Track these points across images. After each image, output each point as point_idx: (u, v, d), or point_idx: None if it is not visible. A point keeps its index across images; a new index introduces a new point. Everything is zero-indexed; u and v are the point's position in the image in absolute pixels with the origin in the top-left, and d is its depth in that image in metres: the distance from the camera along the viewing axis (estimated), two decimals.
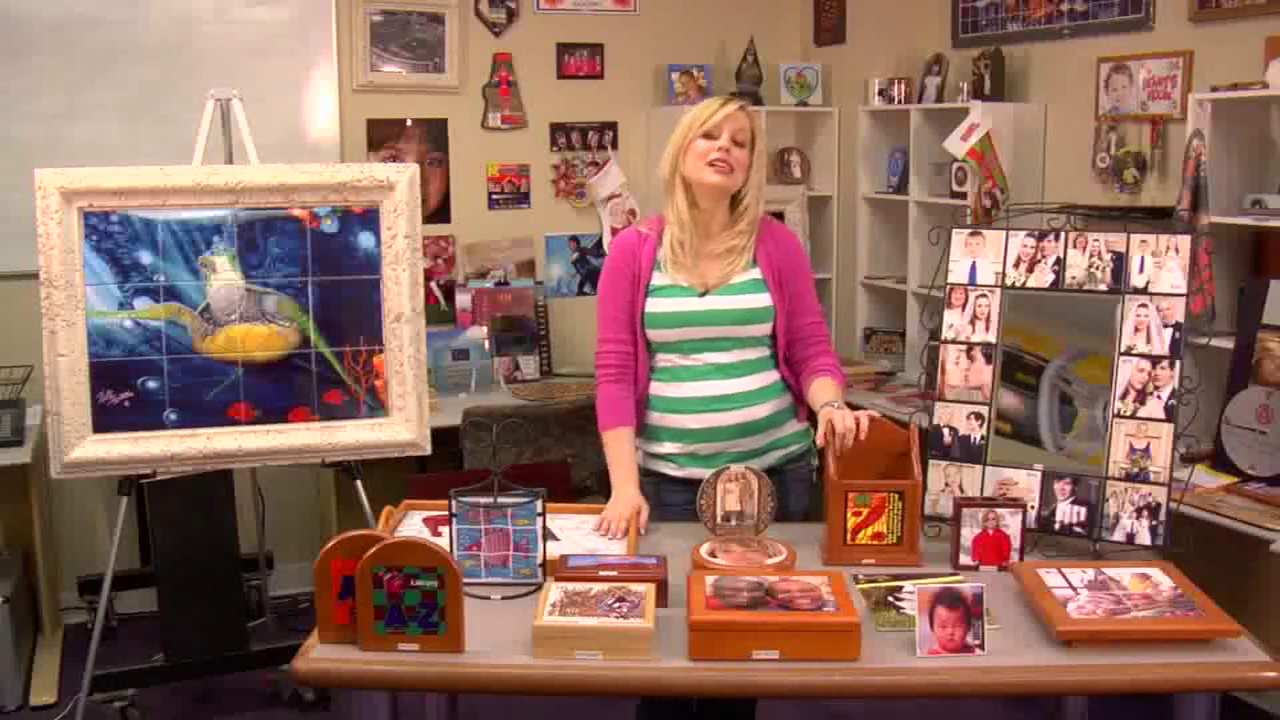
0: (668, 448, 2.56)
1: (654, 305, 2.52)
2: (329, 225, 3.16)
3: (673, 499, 2.55)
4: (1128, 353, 2.28)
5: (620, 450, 2.52)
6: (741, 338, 2.51)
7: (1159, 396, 2.25)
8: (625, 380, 2.56)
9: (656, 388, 2.57)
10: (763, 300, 2.52)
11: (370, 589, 1.86)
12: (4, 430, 3.63)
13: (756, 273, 2.54)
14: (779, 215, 4.77)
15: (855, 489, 2.23)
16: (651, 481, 2.59)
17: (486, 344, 4.41)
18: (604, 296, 2.60)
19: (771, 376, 2.56)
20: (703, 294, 2.50)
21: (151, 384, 3.08)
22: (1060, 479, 2.32)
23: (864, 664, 1.86)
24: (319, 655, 1.90)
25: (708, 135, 2.46)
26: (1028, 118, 4.05)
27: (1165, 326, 2.25)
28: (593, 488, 3.89)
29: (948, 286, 2.44)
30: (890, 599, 2.07)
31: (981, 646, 1.88)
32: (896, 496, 2.22)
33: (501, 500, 2.12)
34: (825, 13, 5.08)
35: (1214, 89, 3.25)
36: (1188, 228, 3.06)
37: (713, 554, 2.19)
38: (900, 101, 4.52)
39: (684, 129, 2.49)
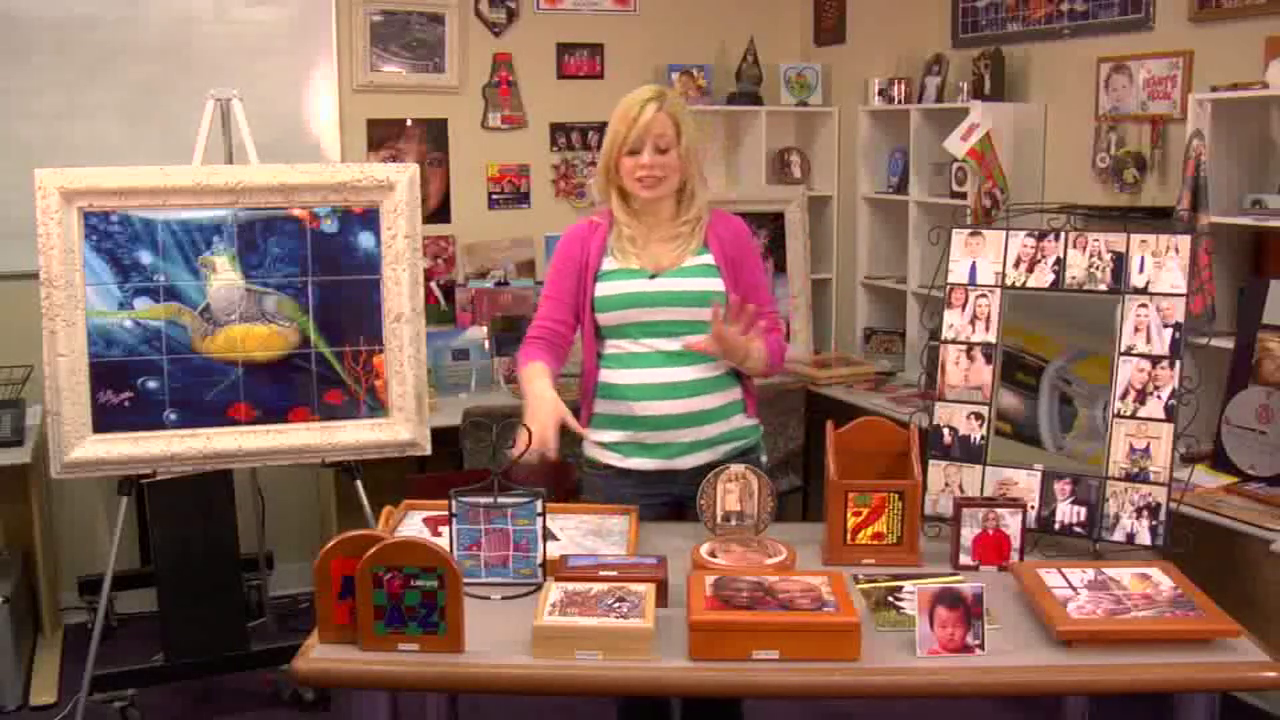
0: (613, 435, 2.56)
1: (603, 289, 2.53)
2: (329, 225, 3.16)
3: (618, 494, 2.54)
4: (1128, 353, 2.28)
5: (533, 380, 2.43)
6: (691, 322, 2.49)
7: (1159, 396, 2.25)
8: (547, 343, 2.53)
9: (605, 375, 2.56)
10: (714, 284, 2.52)
11: (370, 589, 1.86)
12: (4, 430, 3.63)
13: (709, 258, 2.54)
14: (779, 215, 4.78)
15: (855, 489, 2.23)
16: (599, 474, 2.59)
17: (486, 344, 4.41)
18: (549, 280, 2.62)
19: (722, 366, 2.55)
20: (653, 276, 2.51)
21: (151, 384, 3.08)
22: (1060, 479, 2.32)
23: (864, 664, 1.85)
24: (319, 655, 1.90)
25: (632, 152, 2.47)
26: (1028, 118, 4.05)
27: (1165, 326, 2.25)
28: None
29: (948, 286, 2.44)
30: (890, 599, 2.07)
31: (981, 646, 1.88)
32: (896, 496, 2.22)
33: (501, 500, 2.12)
34: (825, 13, 5.08)
35: (1214, 89, 3.25)
36: (1188, 228, 3.07)
37: (713, 554, 2.19)
38: (900, 101, 4.52)
39: (609, 142, 2.50)
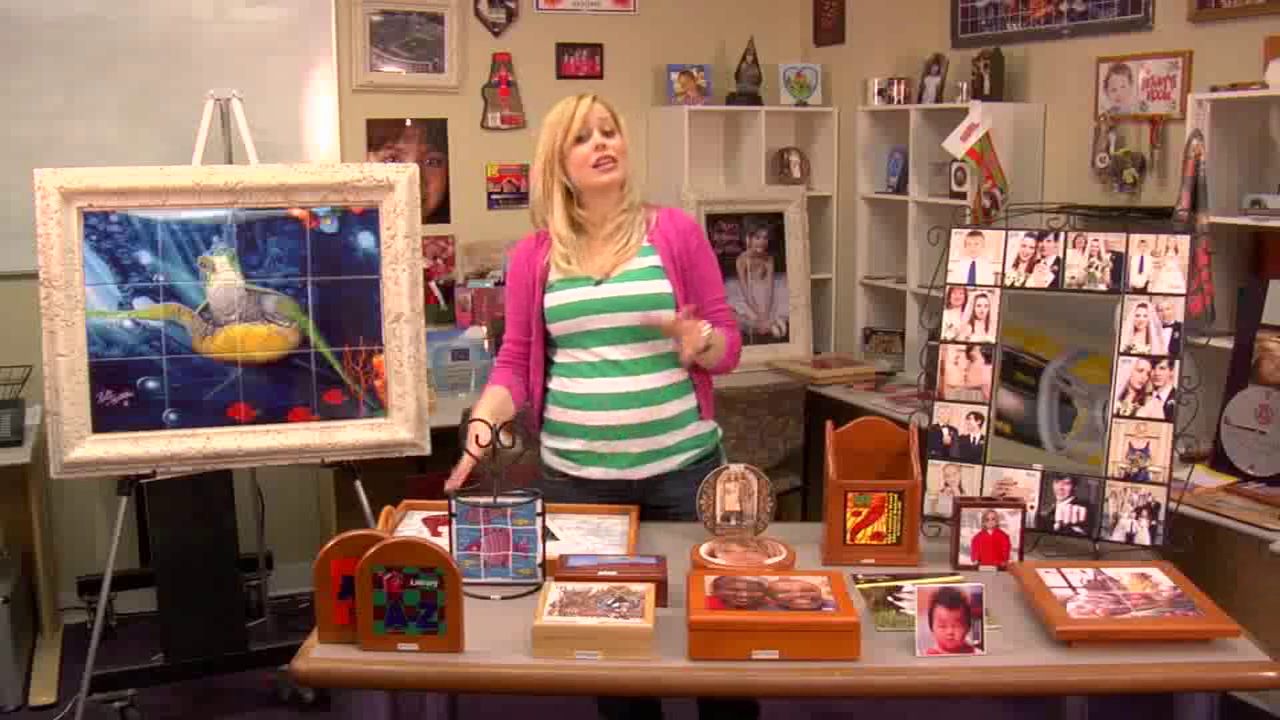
0: (568, 444, 2.55)
1: (551, 300, 2.52)
2: (329, 225, 3.16)
3: (576, 503, 2.52)
4: (1127, 353, 2.28)
5: (480, 404, 2.48)
6: (640, 327, 2.48)
7: (1158, 396, 2.25)
8: (513, 366, 2.59)
9: (557, 383, 2.56)
10: (661, 287, 2.50)
11: (370, 589, 1.86)
12: (4, 430, 3.63)
13: (655, 259, 2.52)
14: (778, 215, 4.78)
15: (855, 489, 2.23)
16: (554, 481, 2.58)
17: (486, 344, 4.41)
18: (507, 299, 2.66)
19: (676, 375, 2.53)
20: (599, 282, 2.50)
21: (151, 384, 3.08)
22: (1060, 479, 2.32)
23: (864, 664, 1.86)
24: (319, 655, 1.90)
25: (579, 140, 2.48)
26: (1027, 118, 4.05)
27: (1165, 326, 2.26)
28: None
29: (947, 286, 2.44)
30: (890, 599, 2.07)
31: (981, 646, 1.88)
32: (896, 496, 2.22)
33: (501, 500, 2.12)
34: (825, 13, 5.08)
35: (1213, 89, 3.25)
36: (1187, 228, 3.06)
37: (712, 554, 2.19)
38: (900, 101, 4.52)
39: (550, 139, 2.51)
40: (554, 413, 2.56)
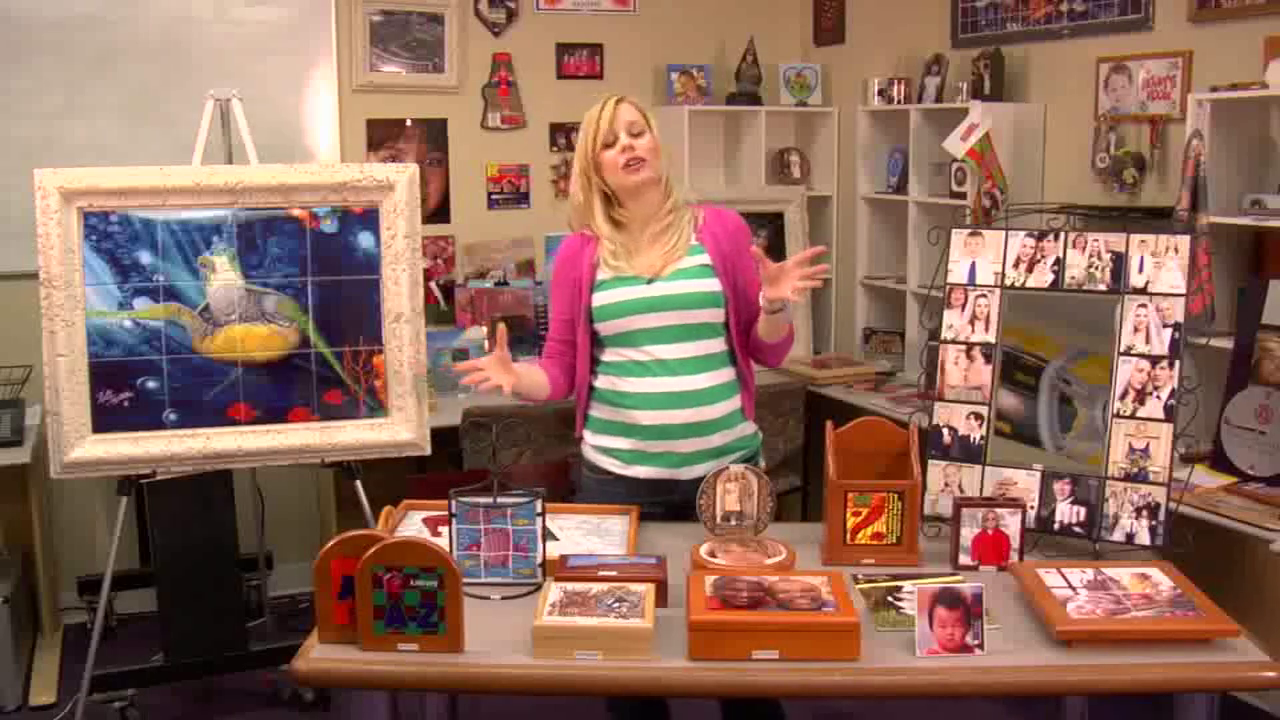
0: (615, 443, 2.55)
1: (601, 299, 2.53)
2: (329, 225, 3.16)
3: (616, 499, 2.53)
4: (1127, 353, 2.28)
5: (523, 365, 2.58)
6: (692, 325, 2.50)
7: (1158, 396, 2.25)
8: (557, 362, 2.63)
9: (606, 381, 2.56)
10: (712, 285, 2.51)
11: (370, 589, 1.86)
12: (4, 430, 3.63)
13: (704, 258, 2.54)
14: (778, 215, 4.78)
15: (855, 489, 2.23)
16: (597, 478, 2.59)
17: (486, 344, 4.41)
18: (551, 298, 2.69)
19: (726, 374, 2.55)
20: (650, 281, 2.51)
21: (151, 384, 3.07)
22: (1060, 479, 2.32)
23: (864, 664, 1.86)
24: (319, 655, 1.90)
25: (607, 145, 2.50)
26: (1027, 118, 4.05)
27: (1165, 326, 2.26)
28: None
29: (947, 286, 2.44)
30: (890, 599, 2.07)
31: (981, 646, 1.88)
32: (896, 496, 2.22)
33: (501, 500, 2.12)
34: (825, 13, 5.08)
35: (1213, 89, 3.25)
36: (1187, 228, 3.06)
37: (712, 554, 2.19)
38: (900, 101, 4.52)
39: (582, 147, 2.55)
40: (601, 411, 2.57)
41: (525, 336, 4.59)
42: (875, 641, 1.91)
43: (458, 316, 4.56)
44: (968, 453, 2.40)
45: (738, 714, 2.65)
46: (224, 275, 3.11)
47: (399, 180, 3.16)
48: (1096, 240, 2.33)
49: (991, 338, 2.40)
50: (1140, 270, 2.28)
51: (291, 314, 3.15)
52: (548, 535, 2.21)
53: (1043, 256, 2.37)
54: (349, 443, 3.18)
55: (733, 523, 2.28)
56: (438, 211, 4.67)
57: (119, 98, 4.12)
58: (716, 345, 2.53)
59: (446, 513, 2.15)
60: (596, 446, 2.59)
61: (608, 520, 2.45)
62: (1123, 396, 2.28)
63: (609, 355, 2.56)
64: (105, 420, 3.04)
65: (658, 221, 2.55)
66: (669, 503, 2.52)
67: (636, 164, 2.49)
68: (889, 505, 2.22)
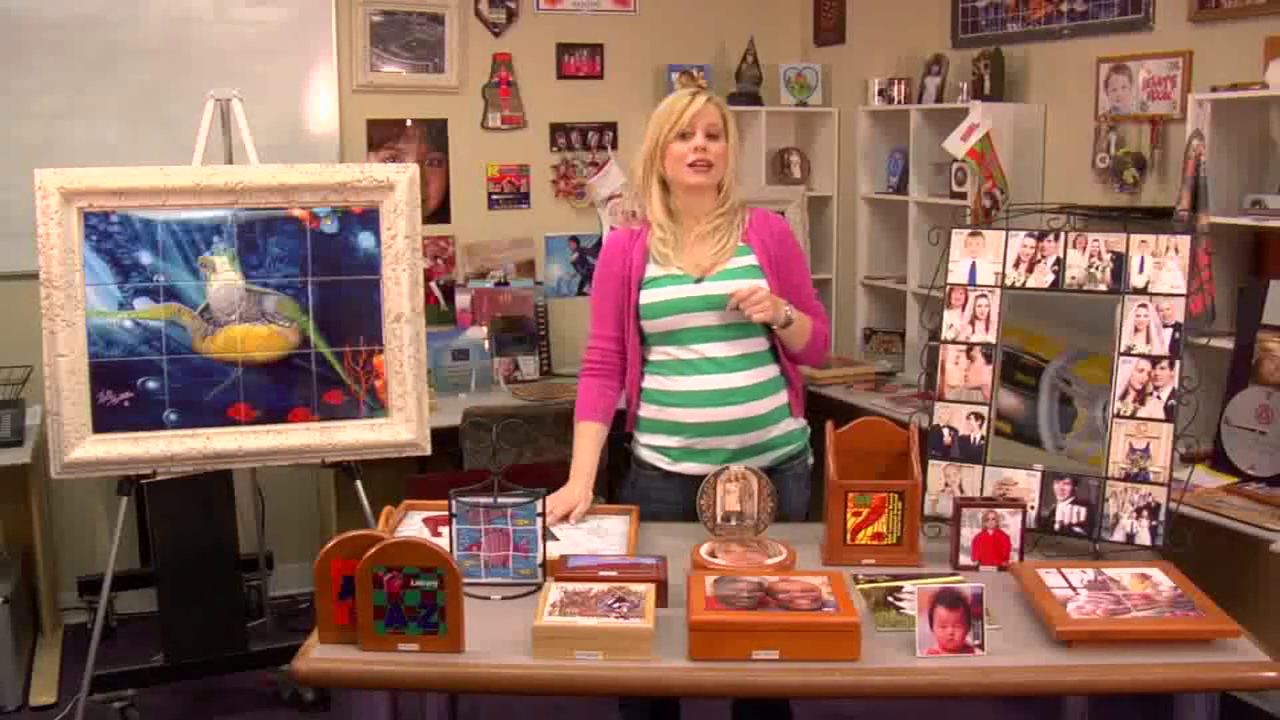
0: (663, 441, 2.56)
1: (648, 296, 2.53)
2: (329, 225, 3.16)
3: (663, 496, 2.55)
4: (1127, 353, 2.28)
5: (584, 443, 2.55)
6: (739, 324, 2.50)
7: (1159, 396, 2.25)
8: (606, 376, 2.59)
9: (653, 381, 2.57)
10: (759, 285, 2.52)
11: (370, 589, 1.86)
12: (4, 430, 3.63)
13: (752, 259, 2.55)
14: (779, 216, 4.77)
15: (855, 489, 2.23)
16: (645, 476, 2.60)
17: (486, 344, 4.41)
18: (594, 294, 2.65)
19: (771, 371, 2.56)
20: (698, 280, 2.51)
21: (151, 384, 3.07)
22: (1060, 479, 2.32)
23: (864, 664, 1.86)
24: (319, 655, 1.90)
25: (682, 136, 2.49)
26: (1028, 118, 4.05)
27: (1165, 326, 2.25)
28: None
29: (947, 286, 2.44)
30: (890, 599, 2.07)
31: (981, 646, 1.88)
32: (896, 497, 2.22)
33: (501, 500, 2.12)
34: (825, 13, 5.08)
35: (1214, 89, 3.25)
36: (1187, 228, 3.06)
37: (713, 554, 2.19)
38: (900, 102, 4.52)
39: (656, 130, 2.52)
40: (650, 410, 2.57)
41: (524, 337, 4.60)
42: (875, 641, 1.91)
43: (458, 317, 4.56)
44: (968, 453, 2.40)
45: (748, 714, 2.65)
46: (224, 275, 3.11)
47: (399, 180, 3.16)
48: (1097, 240, 2.33)
49: (992, 338, 2.40)
50: (1140, 270, 2.28)
51: (292, 314, 3.15)
52: (548, 535, 2.20)
53: (1043, 256, 2.37)
54: (349, 443, 3.18)
55: (733, 523, 2.28)
56: (438, 212, 4.66)
57: (119, 98, 4.12)
58: (760, 344, 2.55)
59: (447, 513, 2.15)
60: (647, 445, 2.60)
61: (608, 520, 2.45)
62: (1123, 397, 2.28)
63: (655, 354, 2.57)
64: (105, 420, 3.04)
65: (708, 222, 2.55)
66: None
67: (703, 166, 2.48)
68: (889, 505, 2.22)
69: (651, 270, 2.54)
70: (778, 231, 2.62)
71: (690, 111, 2.48)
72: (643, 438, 2.61)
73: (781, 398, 2.59)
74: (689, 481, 2.52)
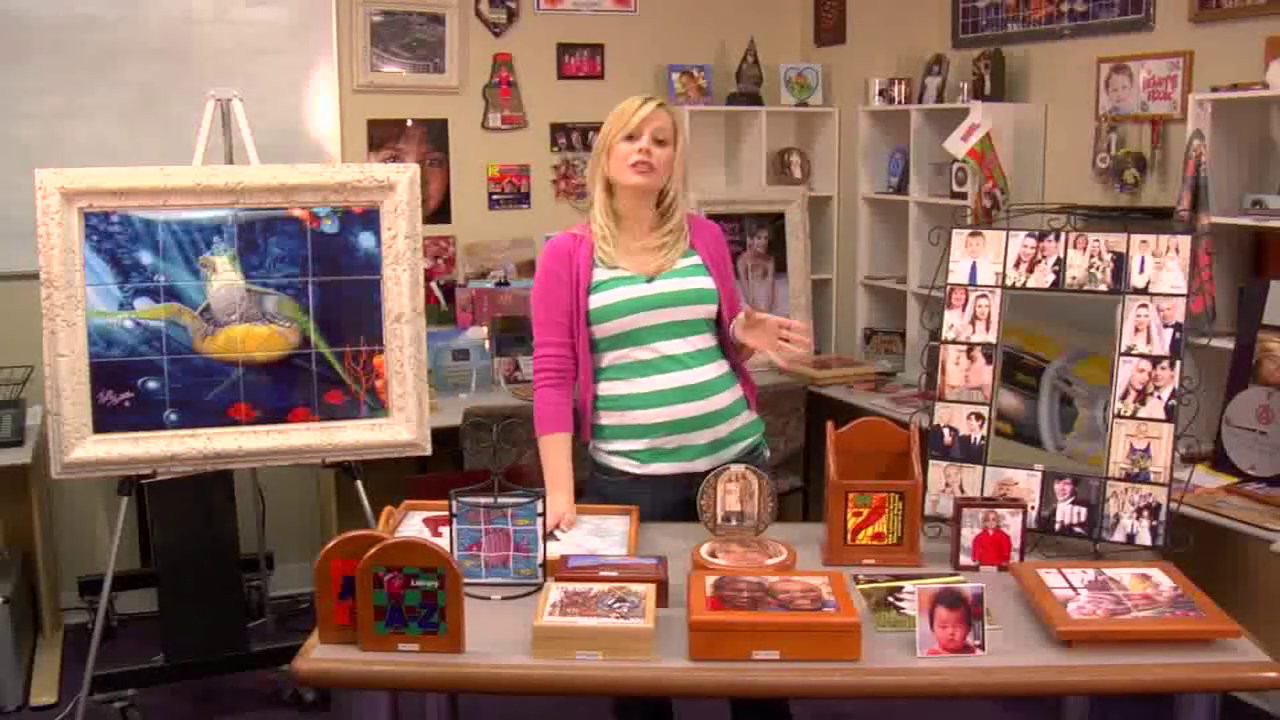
0: (630, 445, 2.54)
1: (599, 300, 2.52)
2: (329, 225, 3.16)
3: (634, 499, 2.52)
4: (1128, 353, 2.28)
5: (556, 456, 2.51)
6: (690, 321, 2.52)
7: (1159, 397, 2.25)
8: (563, 385, 2.56)
9: (610, 387, 2.55)
10: (707, 283, 2.56)
11: (370, 589, 1.86)
12: (4, 430, 3.63)
13: (696, 259, 2.58)
14: (779, 216, 4.78)
15: (855, 489, 2.23)
16: (614, 482, 2.57)
17: (486, 344, 4.41)
18: (538, 301, 2.59)
19: (723, 366, 2.59)
20: (650, 279, 2.53)
21: (152, 384, 3.07)
22: (1060, 479, 2.32)
23: (864, 664, 1.86)
24: (319, 655, 1.90)
25: (629, 137, 2.50)
26: (1028, 118, 4.05)
27: (1165, 327, 2.25)
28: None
29: (948, 287, 2.44)
30: (890, 599, 2.07)
31: (982, 647, 1.88)
32: (896, 497, 2.22)
33: (501, 500, 2.12)
34: (825, 13, 5.08)
35: (1214, 89, 3.25)
36: (1188, 228, 3.06)
37: (713, 554, 2.19)
38: (900, 102, 4.52)
39: (606, 131, 2.54)
40: (611, 418, 2.56)
41: (524, 337, 4.59)
42: (876, 642, 1.91)
43: (458, 317, 4.56)
44: (968, 453, 2.40)
45: (747, 715, 2.65)
46: (225, 275, 3.11)
47: (400, 180, 3.16)
48: (1097, 240, 2.33)
49: (992, 338, 2.40)
50: (1141, 270, 2.28)
51: (292, 314, 3.15)
52: (548, 535, 2.20)
53: (1043, 257, 2.37)
54: (349, 443, 3.18)
55: (733, 523, 2.28)
56: (438, 212, 4.67)
57: (119, 98, 4.12)
58: (710, 340, 2.58)
59: (447, 513, 2.15)
60: (611, 451, 2.58)
61: (608, 520, 2.45)
62: (1123, 397, 2.28)
63: (609, 359, 2.55)
64: (106, 420, 3.04)
65: (657, 238, 2.57)
66: (685, 498, 2.49)
67: (644, 168, 2.49)
68: (890, 505, 2.22)
69: (599, 274, 2.53)
70: (715, 235, 2.67)
71: (640, 115, 2.49)
72: (606, 445, 2.58)
73: (737, 391, 2.61)
74: (661, 482, 2.54)
